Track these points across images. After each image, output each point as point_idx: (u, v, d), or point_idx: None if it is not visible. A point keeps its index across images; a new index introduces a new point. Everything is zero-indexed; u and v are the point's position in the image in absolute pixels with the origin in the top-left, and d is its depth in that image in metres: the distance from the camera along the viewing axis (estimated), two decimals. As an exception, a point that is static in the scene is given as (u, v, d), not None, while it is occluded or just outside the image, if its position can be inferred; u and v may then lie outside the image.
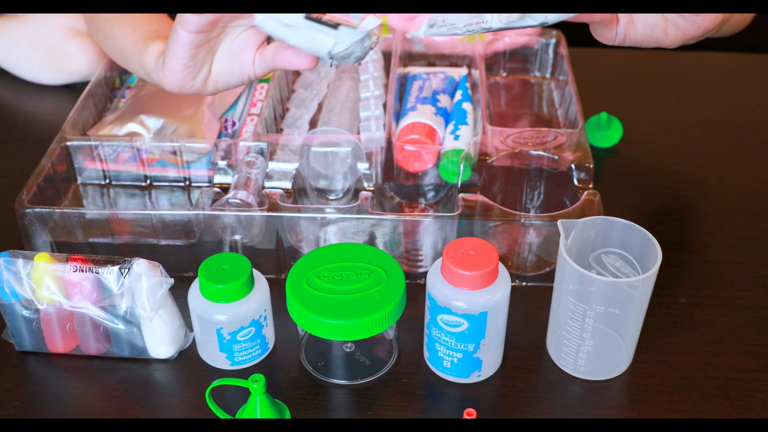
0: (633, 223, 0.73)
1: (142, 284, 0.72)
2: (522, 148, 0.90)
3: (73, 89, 1.11)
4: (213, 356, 0.76)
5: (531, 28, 1.06)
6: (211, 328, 0.73)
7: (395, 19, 1.02)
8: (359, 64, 1.05)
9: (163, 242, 0.84)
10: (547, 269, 0.84)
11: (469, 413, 0.69)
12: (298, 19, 0.64)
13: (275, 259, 0.85)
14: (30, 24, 1.11)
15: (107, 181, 0.94)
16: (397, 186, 0.92)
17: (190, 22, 0.66)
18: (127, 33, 0.81)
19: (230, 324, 0.73)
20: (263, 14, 0.65)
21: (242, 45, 0.71)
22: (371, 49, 0.66)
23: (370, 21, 0.64)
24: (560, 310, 0.74)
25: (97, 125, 0.95)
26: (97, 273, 0.72)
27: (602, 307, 0.70)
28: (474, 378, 0.75)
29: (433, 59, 1.12)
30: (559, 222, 0.72)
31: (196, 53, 0.69)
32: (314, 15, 0.65)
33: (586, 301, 0.70)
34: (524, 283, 0.85)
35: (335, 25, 0.64)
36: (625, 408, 0.73)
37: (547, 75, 1.11)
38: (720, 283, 0.85)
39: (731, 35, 0.98)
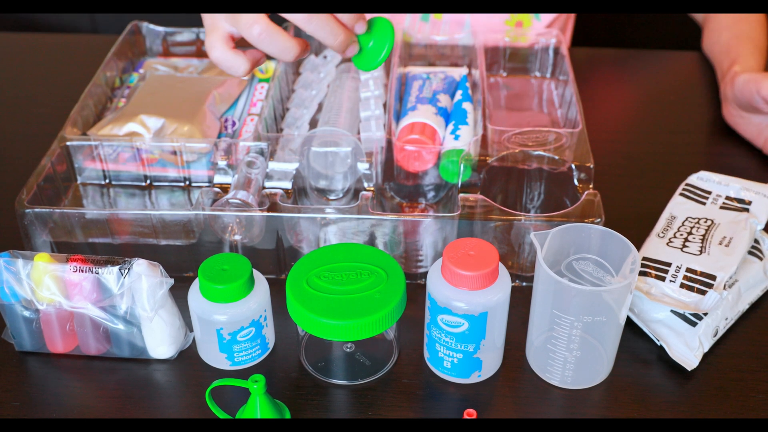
0: (609, 230, 0.72)
1: (142, 284, 0.72)
2: (522, 148, 0.90)
3: (73, 89, 1.11)
4: (213, 356, 0.76)
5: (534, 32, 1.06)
6: (211, 328, 0.73)
7: None
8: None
9: (163, 242, 0.84)
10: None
11: (470, 414, 0.69)
12: None
13: (275, 259, 0.85)
14: None
15: (107, 181, 0.94)
16: (397, 186, 0.92)
17: None
18: None
19: (230, 324, 0.73)
20: None
21: None
22: None
23: None
24: (536, 318, 0.74)
25: (97, 125, 0.95)
26: (97, 273, 0.72)
27: (589, 318, 0.70)
28: (474, 378, 0.75)
29: (433, 59, 1.12)
30: (531, 235, 0.72)
31: None
32: None
33: (566, 310, 0.70)
34: (524, 283, 0.85)
35: None
36: (625, 408, 0.73)
37: (547, 75, 1.11)
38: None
39: None
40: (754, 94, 0.97)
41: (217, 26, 0.76)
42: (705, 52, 1.19)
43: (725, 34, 1.13)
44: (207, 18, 0.78)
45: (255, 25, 0.73)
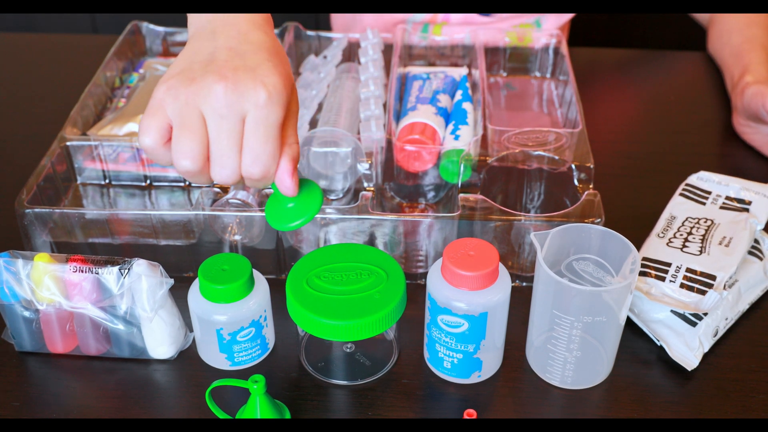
0: (609, 230, 0.72)
1: (142, 285, 0.72)
2: (522, 148, 0.90)
3: (73, 89, 1.11)
4: (213, 357, 0.76)
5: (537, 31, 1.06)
6: (211, 328, 0.73)
7: None
8: (359, 63, 1.05)
9: (163, 242, 0.84)
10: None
11: (470, 414, 0.69)
12: None
13: (275, 259, 0.85)
14: None
15: (107, 181, 0.94)
16: (397, 186, 0.92)
17: None
18: None
19: (230, 324, 0.73)
20: None
21: None
22: None
23: None
24: (536, 318, 0.74)
25: (97, 125, 0.95)
26: (97, 273, 0.72)
27: (589, 318, 0.70)
28: (474, 378, 0.75)
29: (433, 59, 1.12)
30: (531, 235, 0.72)
31: None
32: None
33: (566, 311, 0.70)
34: (524, 283, 0.85)
35: None
36: (625, 408, 0.73)
37: (547, 75, 1.11)
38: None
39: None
40: (760, 107, 0.97)
41: (161, 109, 0.61)
42: (712, 53, 1.18)
43: (736, 37, 1.12)
44: (159, 92, 0.62)
45: (185, 161, 0.61)
